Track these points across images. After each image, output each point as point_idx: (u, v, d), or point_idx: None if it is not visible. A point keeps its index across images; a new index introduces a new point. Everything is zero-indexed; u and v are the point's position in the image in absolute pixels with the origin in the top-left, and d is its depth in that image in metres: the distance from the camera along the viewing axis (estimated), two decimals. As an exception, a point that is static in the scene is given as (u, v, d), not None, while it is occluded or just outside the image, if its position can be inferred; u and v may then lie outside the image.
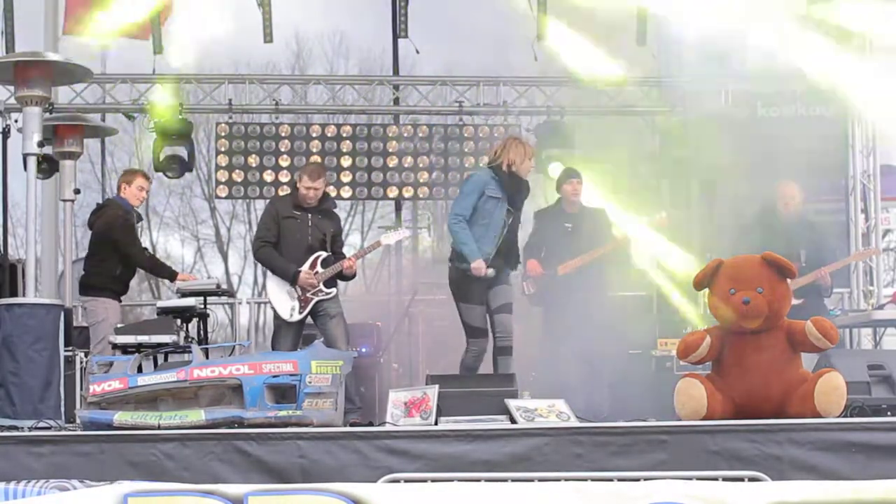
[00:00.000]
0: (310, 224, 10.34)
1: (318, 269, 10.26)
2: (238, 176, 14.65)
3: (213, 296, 11.07)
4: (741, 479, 6.42)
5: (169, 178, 14.84)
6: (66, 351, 9.09)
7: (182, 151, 14.28)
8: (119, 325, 9.99)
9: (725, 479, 6.41)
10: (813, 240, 10.83)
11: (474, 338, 9.99)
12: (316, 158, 14.37)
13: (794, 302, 8.42)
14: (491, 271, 9.79)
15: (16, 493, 6.50)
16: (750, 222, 11.04)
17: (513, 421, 7.98)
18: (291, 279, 10.24)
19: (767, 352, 8.00)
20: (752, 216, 11.08)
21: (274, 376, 8.07)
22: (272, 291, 10.38)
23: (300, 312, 10.26)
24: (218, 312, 15.44)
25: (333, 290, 10.32)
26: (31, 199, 9.18)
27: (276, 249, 10.35)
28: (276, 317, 10.40)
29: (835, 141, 14.46)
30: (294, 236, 10.33)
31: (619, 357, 10.83)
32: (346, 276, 10.49)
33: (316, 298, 10.24)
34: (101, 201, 13.23)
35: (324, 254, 10.30)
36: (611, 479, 6.43)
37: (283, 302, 10.30)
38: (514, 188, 9.97)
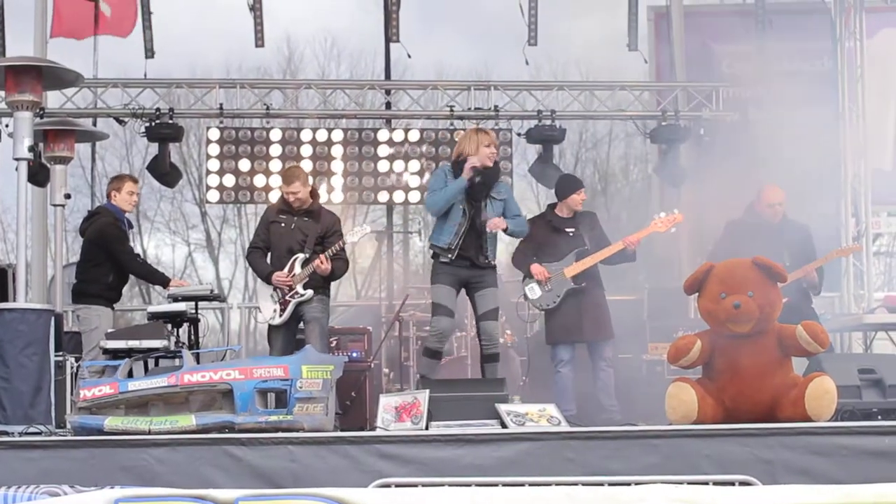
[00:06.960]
0: (293, 227, 10.35)
1: (297, 270, 10.24)
2: (229, 181, 14.61)
3: (204, 301, 11.06)
4: (732, 483, 6.43)
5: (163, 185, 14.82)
6: (56, 356, 9.05)
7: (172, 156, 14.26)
8: (110, 331, 9.98)
9: (716, 483, 6.42)
10: (797, 240, 10.72)
11: (433, 315, 9.87)
12: (307, 163, 14.32)
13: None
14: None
15: (6, 499, 6.50)
16: (734, 225, 10.95)
17: (503, 425, 7.98)
18: (265, 280, 10.31)
19: (758, 356, 8.01)
20: (736, 219, 10.98)
21: (264, 381, 8.08)
22: (260, 295, 10.52)
23: (280, 315, 10.26)
24: (209, 317, 15.41)
25: (309, 292, 10.23)
26: (21, 203, 9.15)
27: (266, 254, 10.39)
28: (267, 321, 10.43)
29: (826, 144, 14.43)
30: (279, 240, 10.35)
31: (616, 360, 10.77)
32: (324, 277, 10.34)
33: (294, 300, 10.22)
34: (91, 206, 13.22)
35: (301, 255, 10.26)
36: (602, 484, 6.43)
37: (267, 306, 10.34)
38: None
